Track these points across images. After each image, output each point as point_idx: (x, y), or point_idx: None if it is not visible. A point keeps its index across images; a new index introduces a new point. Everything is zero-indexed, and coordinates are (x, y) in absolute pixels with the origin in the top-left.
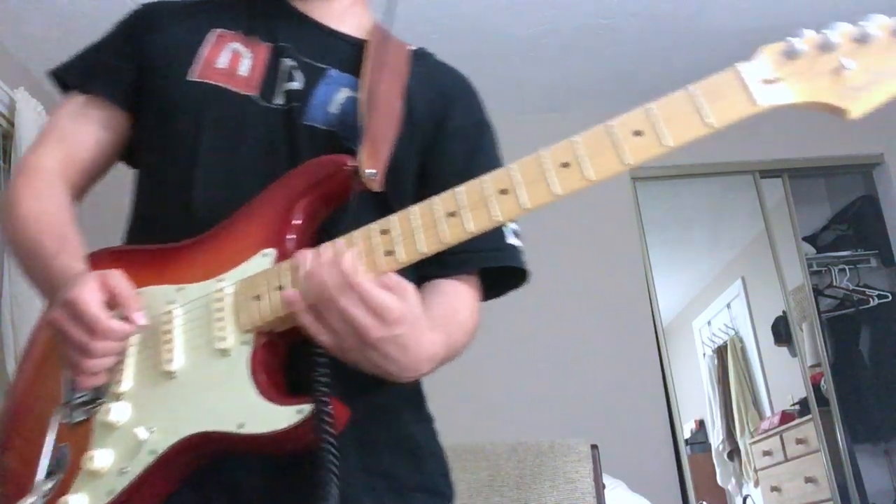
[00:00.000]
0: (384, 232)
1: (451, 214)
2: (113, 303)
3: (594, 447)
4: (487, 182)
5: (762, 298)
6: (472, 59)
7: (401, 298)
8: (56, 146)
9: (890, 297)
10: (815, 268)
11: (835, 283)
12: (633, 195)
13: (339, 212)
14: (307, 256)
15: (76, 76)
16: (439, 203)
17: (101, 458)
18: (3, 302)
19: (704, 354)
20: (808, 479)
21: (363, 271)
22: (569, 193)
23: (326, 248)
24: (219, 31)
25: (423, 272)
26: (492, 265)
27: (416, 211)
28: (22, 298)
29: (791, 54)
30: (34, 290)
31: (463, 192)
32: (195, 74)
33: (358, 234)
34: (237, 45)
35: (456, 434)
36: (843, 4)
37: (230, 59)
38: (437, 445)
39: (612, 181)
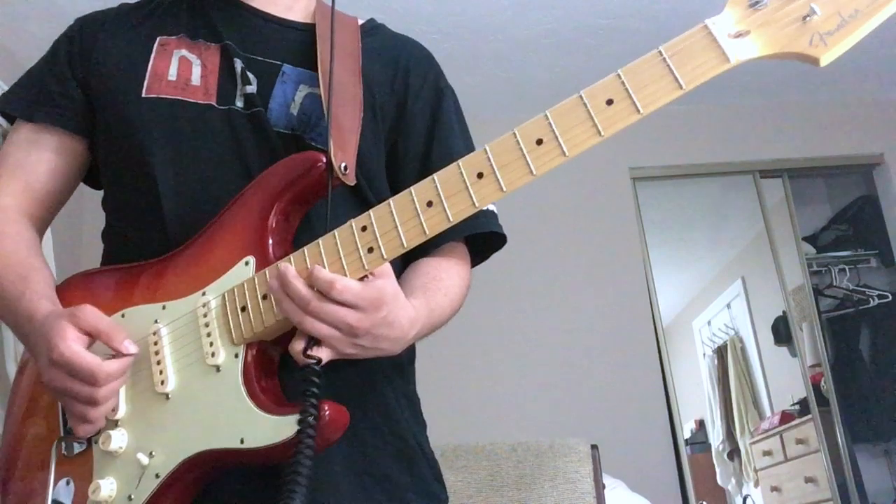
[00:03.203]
0: (364, 229)
1: (430, 204)
2: (96, 339)
3: (594, 447)
4: (464, 167)
5: (762, 298)
6: (472, 59)
7: (373, 280)
8: (10, 181)
9: (890, 297)
10: (815, 268)
11: (835, 283)
12: (633, 195)
13: (315, 210)
14: (273, 283)
15: (21, 106)
16: (417, 193)
17: (107, 487)
18: None
19: (704, 354)
20: (808, 479)
21: (326, 271)
22: (546, 171)
23: (287, 266)
24: (161, 38)
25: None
26: (470, 233)
27: (393, 204)
28: None
29: (757, 4)
30: None
31: (440, 179)
32: (147, 91)
33: (338, 233)
34: (184, 52)
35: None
36: None
37: (179, 69)
38: (430, 450)
39: (612, 181)
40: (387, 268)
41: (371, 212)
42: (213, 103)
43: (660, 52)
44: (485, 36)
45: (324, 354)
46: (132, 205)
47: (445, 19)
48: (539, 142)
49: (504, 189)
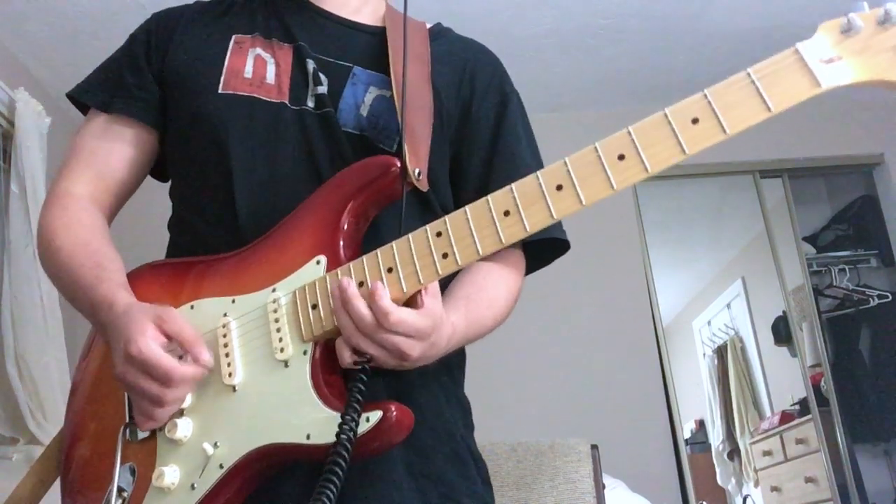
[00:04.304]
0: (439, 234)
1: (507, 213)
2: (173, 344)
3: (594, 447)
4: (543, 178)
5: (762, 298)
6: None
7: (426, 308)
8: (85, 170)
9: (890, 297)
10: (815, 268)
11: (835, 283)
12: (633, 195)
13: (380, 216)
14: (336, 296)
15: (97, 96)
16: (494, 202)
17: (170, 474)
18: (3, 302)
19: (704, 354)
20: (808, 479)
21: (389, 303)
22: (626, 187)
23: (349, 282)
24: (237, 36)
25: None
26: (534, 239)
27: (469, 211)
28: (22, 298)
29: (849, 31)
30: (34, 289)
31: (518, 189)
32: (224, 87)
33: (412, 238)
34: (259, 51)
35: None
36: (845, 6)
37: (255, 67)
38: (479, 452)
39: (620, 190)
40: (436, 286)
41: (446, 218)
42: (287, 102)
43: (748, 73)
44: (485, 36)
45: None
46: (204, 198)
47: (445, 19)
48: (621, 157)
49: (583, 202)
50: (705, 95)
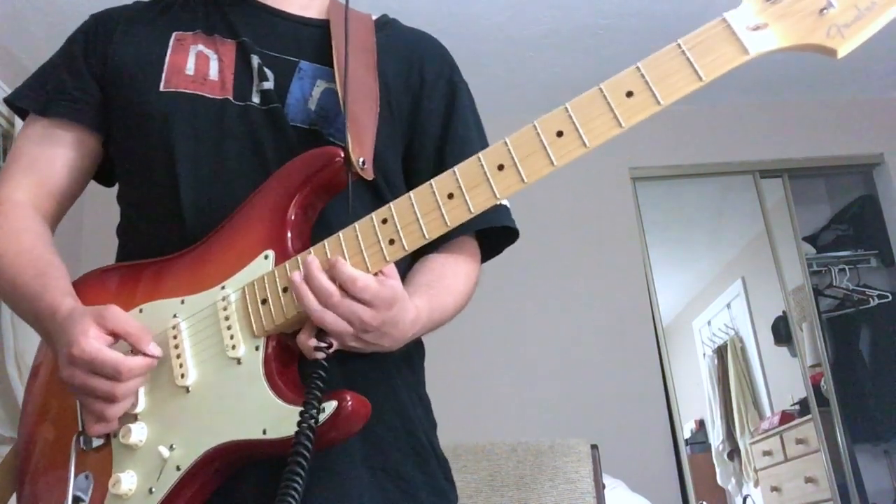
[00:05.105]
0: (385, 221)
1: (451, 196)
2: (120, 342)
3: (594, 447)
4: (484, 158)
5: (762, 298)
6: (472, 59)
7: (384, 280)
8: (25, 176)
9: (890, 297)
10: (815, 268)
11: (835, 283)
12: (633, 195)
13: (330, 206)
14: (295, 276)
15: (36, 101)
16: (437, 186)
17: (127, 480)
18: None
19: (704, 354)
20: (808, 479)
21: (349, 266)
22: (566, 163)
23: (313, 259)
24: (178, 33)
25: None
26: (482, 227)
27: (414, 196)
28: None
29: None
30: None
31: (460, 172)
32: (165, 84)
33: (359, 226)
34: (201, 47)
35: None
36: None
37: (197, 63)
38: (440, 449)
39: (612, 181)
40: (393, 268)
41: (391, 204)
42: (231, 98)
43: (678, 44)
44: (485, 36)
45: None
46: (150, 199)
47: (445, 19)
48: (559, 133)
49: (525, 180)
50: (638, 68)
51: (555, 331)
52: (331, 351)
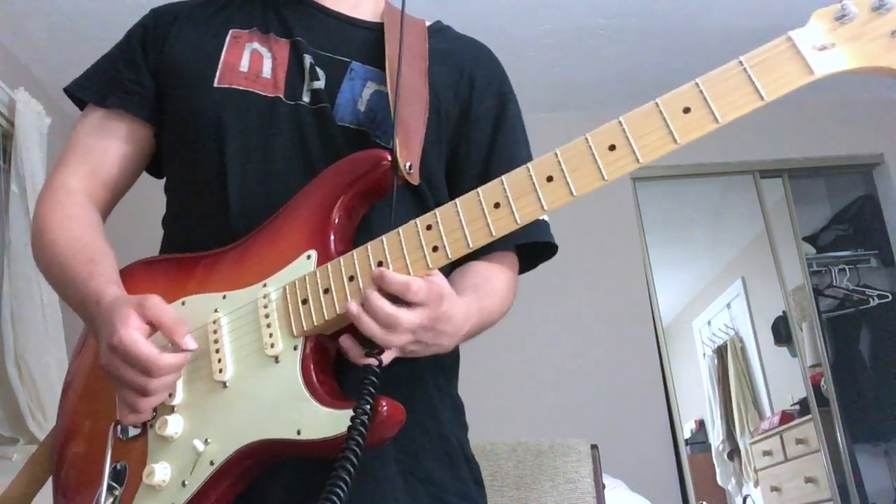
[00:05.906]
0: (429, 227)
1: (497, 205)
2: (159, 334)
3: (594, 447)
4: (533, 169)
5: (762, 298)
6: None
7: (430, 277)
8: (80, 165)
9: (890, 297)
10: (815, 268)
11: (835, 283)
12: (633, 195)
13: (373, 210)
14: (352, 307)
15: (93, 91)
16: (484, 194)
17: (161, 471)
18: (3, 302)
19: (704, 354)
20: (808, 479)
21: (396, 275)
22: (617, 177)
23: (371, 293)
24: (234, 30)
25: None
26: (524, 241)
27: (460, 204)
28: (22, 298)
29: (843, 18)
30: (34, 289)
31: (508, 181)
32: (219, 80)
33: (402, 231)
34: (255, 45)
35: None
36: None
37: (251, 61)
38: (471, 453)
39: (611, 181)
40: (435, 271)
41: (437, 211)
42: (282, 97)
43: (740, 61)
44: (485, 36)
45: (386, 356)
46: (198, 193)
47: (445, 19)
48: (612, 147)
49: (574, 193)
50: (697, 84)
51: (555, 331)
52: (383, 356)
